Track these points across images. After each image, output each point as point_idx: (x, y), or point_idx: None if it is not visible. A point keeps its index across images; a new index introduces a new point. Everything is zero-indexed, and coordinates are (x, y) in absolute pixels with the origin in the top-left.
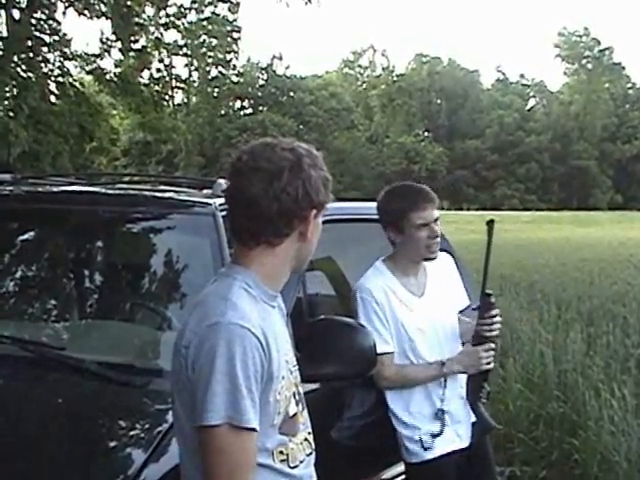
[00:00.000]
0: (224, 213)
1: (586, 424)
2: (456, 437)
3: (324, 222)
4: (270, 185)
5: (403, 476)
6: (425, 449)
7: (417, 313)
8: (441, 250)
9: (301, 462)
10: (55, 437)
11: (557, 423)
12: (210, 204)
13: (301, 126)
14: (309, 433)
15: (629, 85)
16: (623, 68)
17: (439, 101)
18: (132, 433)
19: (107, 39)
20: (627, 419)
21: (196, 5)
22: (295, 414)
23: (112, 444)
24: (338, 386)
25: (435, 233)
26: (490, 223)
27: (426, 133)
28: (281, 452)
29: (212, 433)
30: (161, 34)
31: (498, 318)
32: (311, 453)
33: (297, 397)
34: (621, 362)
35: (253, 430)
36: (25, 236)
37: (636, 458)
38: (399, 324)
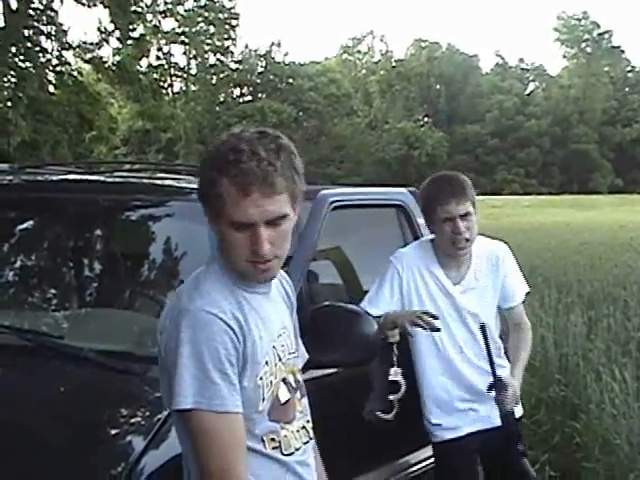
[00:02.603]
0: None
1: (587, 407)
2: (477, 418)
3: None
4: (201, 174)
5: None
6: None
7: (447, 298)
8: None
9: (297, 449)
10: (54, 425)
11: (558, 407)
12: None
13: (300, 113)
14: (307, 421)
15: (629, 68)
16: (622, 51)
17: (438, 86)
18: (131, 421)
19: (105, 28)
20: (628, 402)
21: None
22: (288, 401)
23: (111, 432)
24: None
25: (458, 229)
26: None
27: (426, 118)
28: (272, 439)
29: (185, 418)
30: (159, 22)
31: (511, 396)
32: (308, 441)
33: (292, 384)
34: (622, 345)
35: (230, 413)
36: (23, 225)
37: (638, 440)
38: (422, 300)
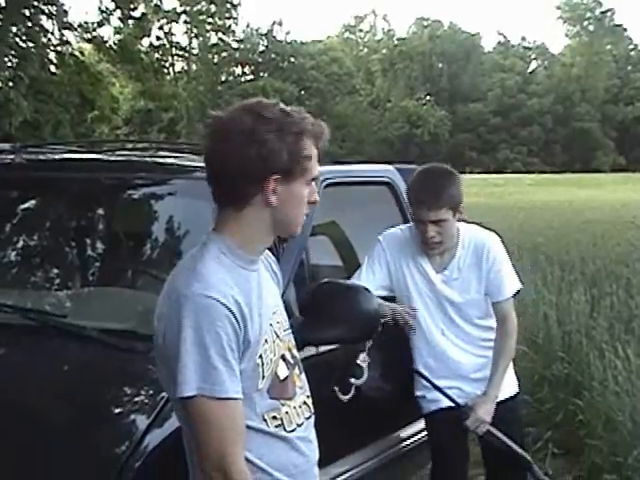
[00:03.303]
0: None
1: (590, 385)
2: (461, 395)
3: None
4: (217, 147)
5: None
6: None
7: (428, 284)
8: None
9: (299, 425)
10: (57, 404)
11: (561, 384)
12: None
13: (302, 92)
14: (307, 397)
15: (631, 47)
16: (625, 30)
17: (440, 65)
18: (134, 399)
19: (106, 7)
20: (631, 379)
21: None
22: (287, 377)
23: (114, 410)
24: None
25: (427, 233)
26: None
27: (428, 97)
28: (274, 417)
29: (192, 404)
30: (160, 1)
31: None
32: (310, 417)
33: (290, 360)
34: (625, 323)
35: (232, 399)
36: (25, 204)
37: None
38: (406, 280)
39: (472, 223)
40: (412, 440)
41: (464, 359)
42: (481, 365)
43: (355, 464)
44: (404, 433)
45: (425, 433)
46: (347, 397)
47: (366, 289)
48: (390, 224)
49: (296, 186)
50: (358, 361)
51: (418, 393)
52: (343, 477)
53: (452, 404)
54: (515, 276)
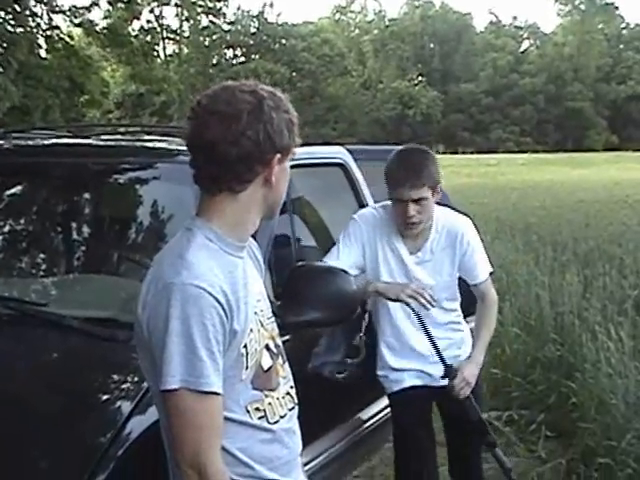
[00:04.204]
0: None
1: (583, 367)
2: (423, 374)
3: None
4: (228, 128)
5: None
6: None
7: (401, 265)
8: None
9: (282, 417)
10: (39, 393)
11: (554, 366)
12: None
13: (294, 73)
14: (291, 387)
15: (623, 25)
16: (616, 8)
17: (432, 45)
18: (116, 387)
19: None
20: (624, 361)
21: None
22: (270, 368)
23: (96, 398)
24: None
25: (408, 213)
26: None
27: (420, 77)
28: (257, 409)
29: (171, 397)
30: None
31: (466, 379)
32: (293, 407)
33: (274, 350)
34: (618, 304)
35: (214, 394)
36: (8, 190)
37: (634, 400)
38: (379, 261)
39: (445, 206)
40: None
41: (427, 342)
42: (444, 347)
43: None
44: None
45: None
46: (342, 376)
47: (344, 271)
48: (344, 205)
49: (286, 164)
50: (355, 342)
51: (380, 373)
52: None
53: (416, 384)
54: (487, 259)
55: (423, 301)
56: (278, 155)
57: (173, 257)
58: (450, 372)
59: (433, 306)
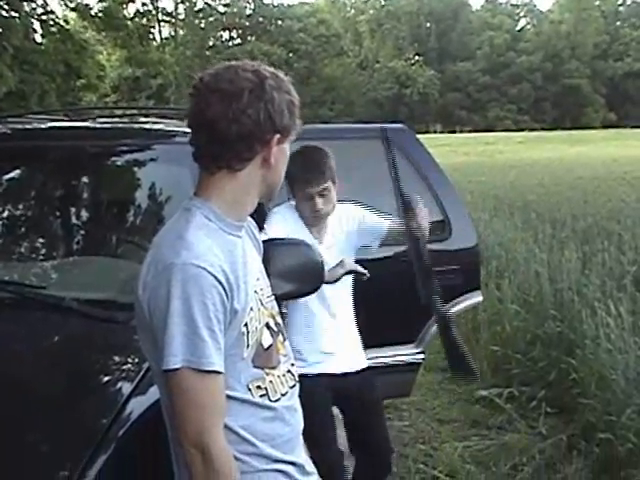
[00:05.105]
0: None
1: (583, 343)
2: (332, 363)
3: None
4: (229, 106)
5: None
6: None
7: None
8: None
9: (283, 395)
10: (39, 375)
11: (554, 343)
12: None
13: (290, 54)
14: (292, 365)
15: (620, 2)
16: None
17: (428, 24)
18: (116, 368)
19: None
20: (624, 337)
21: None
22: (270, 346)
23: (96, 379)
24: None
25: (316, 207)
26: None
27: (417, 57)
28: (258, 387)
29: (173, 377)
30: None
31: (423, 218)
32: (294, 385)
33: (274, 328)
34: (617, 280)
35: (215, 372)
36: (6, 175)
37: (634, 375)
38: None
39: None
40: None
41: (341, 330)
42: (355, 333)
43: None
44: None
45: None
46: None
47: (308, 243)
48: None
49: (285, 145)
50: None
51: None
52: None
53: (327, 371)
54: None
55: (360, 270)
56: (278, 135)
57: (172, 237)
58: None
59: (367, 276)
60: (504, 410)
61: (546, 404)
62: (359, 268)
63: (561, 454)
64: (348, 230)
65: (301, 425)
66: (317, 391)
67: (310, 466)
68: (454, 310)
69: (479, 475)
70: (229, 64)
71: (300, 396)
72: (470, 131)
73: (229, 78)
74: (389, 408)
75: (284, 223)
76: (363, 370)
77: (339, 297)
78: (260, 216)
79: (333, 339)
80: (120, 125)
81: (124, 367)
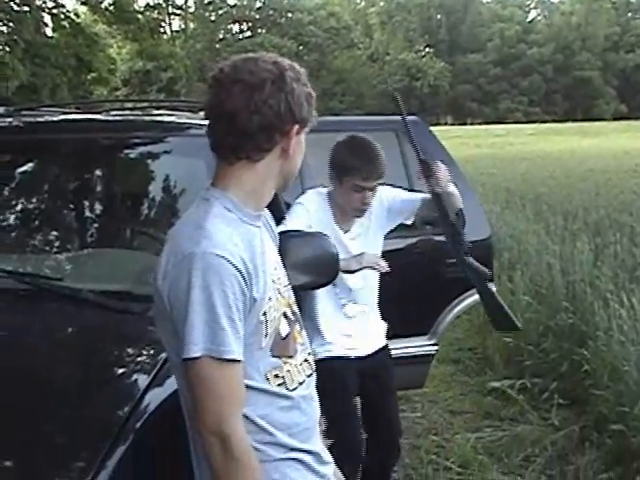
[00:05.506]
0: None
1: (595, 334)
2: (353, 346)
3: None
4: (251, 97)
5: None
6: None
7: (339, 246)
8: None
9: (300, 384)
10: (56, 367)
11: (566, 334)
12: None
13: (300, 47)
14: (309, 354)
15: None
16: None
17: (439, 16)
18: (133, 360)
19: None
20: (636, 328)
21: None
22: (288, 335)
23: (114, 371)
24: None
25: (367, 200)
26: (395, 98)
27: (427, 49)
28: (276, 376)
29: (193, 366)
30: None
31: (443, 176)
32: (311, 374)
33: (291, 317)
34: (629, 271)
35: (235, 361)
36: (20, 168)
37: None
38: None
39: None
40: None
41: (362, 318)
42: (376, 321)
43: None
44: None
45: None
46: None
47: (323, 234)
48: None
49: (302, 136)
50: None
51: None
52: None
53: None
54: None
55: (378, 267)
56: (297, 126)
57: (192, 227)
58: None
59: (388, 270)
60: (516, 401)
61: (558, 396)
62: (380, 263)
63: (573, 445)
64: (377, 215)
65: (318, 414)
66: (345, 375)
67: (327, 455)
68: (468, 302)
69: (491, 466)
70: (247, 56)
71: (327, 380)
72: (481, 123)
73: (249, 69)
74: (401, 400)
75: (307, 215)
76: (382, 349)
77: (365, 283)
78: (275, 207)
79: (357, 324)
80: (135, 118)
81: (140, 358)
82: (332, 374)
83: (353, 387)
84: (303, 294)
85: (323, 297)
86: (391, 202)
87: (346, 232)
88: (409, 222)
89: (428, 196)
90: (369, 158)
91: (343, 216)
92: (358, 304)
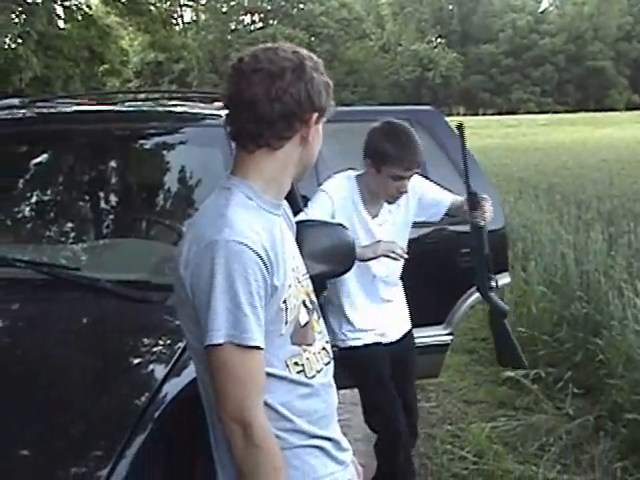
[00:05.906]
0: None
1: (610, 324)
2: (384, 332)
3: None
4: (272, 85)
5: None
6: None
7: (366, 231)
8: None
9: (318, 372)
10: (75, 356)
11: (580, 324)
12: (221, 115)
13: (312, 38)
14: (327, 342)
15: None
16: None
17: (451, 7)
18: (151, 349)
19: None
20: None
21: None
22: (307, 323)
23: (132, 361)
24: None
25: (404, 188)
26: (460, 127)
27: (439, 39)
28: (296, 363)
29: (216, 352)
30: None
31: (488, 211)
32: (329, 362)
33: (310, 305)
34: None
35: (257, 348)
36: (37, 159)
37: None
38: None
39: None
40: None
41: (386, 306)
42: (403, 307)
43: None
44: None
45: None
46: None
47: (340, 224)
48: None
49: (320, 125)
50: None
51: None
52: None
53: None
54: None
55: (394, 255)
56: (315, 114)
57: (214, 216)
58: (473, 200)
59: (405, 258)
60: (531, 391)
61: (573, 385)
62: (395, 250)
63: (588, 435)
64: (407, 203)
65: (336, 401)
66: (379, 362)
67: (345, 443)
68: None
69: (506, 455)
70: (267, 45)
71: (363, 368)
72: (493, 114)
73: (269, 58)
74: (416, 389)
75: (330, 204)
76: (408, 333)
77: (388, 270)
78: (291, 197)
79: (386, 310)
80: (150, 108)
81: (158, 348)
82: (367, 362)
83: (387, 373)
84: (331, 282)
85: (353, 284)
86: (423, 194)
87: (374, 217)
88: (436, 220)
89: (457, 198)
90: (409, 147)
91: (373, 200)
92: (386, 290)
